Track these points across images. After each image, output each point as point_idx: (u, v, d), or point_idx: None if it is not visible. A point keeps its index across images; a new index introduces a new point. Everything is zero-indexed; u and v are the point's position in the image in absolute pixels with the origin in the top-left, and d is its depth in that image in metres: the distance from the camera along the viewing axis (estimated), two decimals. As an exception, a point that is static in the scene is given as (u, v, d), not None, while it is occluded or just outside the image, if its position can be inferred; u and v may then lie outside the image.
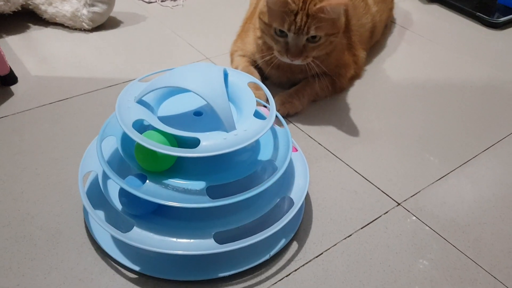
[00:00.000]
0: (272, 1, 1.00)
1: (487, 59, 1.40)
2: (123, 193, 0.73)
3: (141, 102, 0.74)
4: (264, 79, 1.20)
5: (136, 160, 0.72)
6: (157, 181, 0.70)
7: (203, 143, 0.67)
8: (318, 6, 0.97)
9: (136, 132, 0.69)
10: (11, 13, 1.35)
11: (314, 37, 1.02)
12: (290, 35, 1.01)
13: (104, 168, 0.72)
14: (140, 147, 0.70)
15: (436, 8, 1.69)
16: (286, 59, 1.05)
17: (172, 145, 0.70)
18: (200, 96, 0.69)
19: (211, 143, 0.68)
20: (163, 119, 0.74)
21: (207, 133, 0.70)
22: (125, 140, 0.76)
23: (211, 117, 0.76)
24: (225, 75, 0.78)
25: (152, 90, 0.73)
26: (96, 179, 0.85)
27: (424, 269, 0.79)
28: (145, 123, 0.73)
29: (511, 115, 1.16)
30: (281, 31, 1.02)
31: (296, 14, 0.99)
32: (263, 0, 1.04)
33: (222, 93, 0.71)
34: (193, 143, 0.68)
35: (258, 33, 1.11)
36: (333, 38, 1.05)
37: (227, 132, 0.70)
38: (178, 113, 0.77)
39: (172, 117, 0.76)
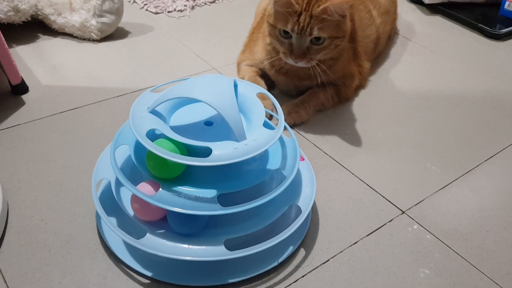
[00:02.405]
0: (278, 2, 1.02)
1: (489, 70, 1.42)
2: (172, 215, 0.75)
3: (154, 112, 0.76)
4: (271, 88, 1.23)
5: (147, 168, 0.74)
6: (170, 189, 0.72)
7: (214, 152, 0.70)
8: (321, 7, 0.99)
9: (149, 140, 0.71)
10: (21, 23, 1.37)
11: (318, 38, 1.03)
12: (294, 36, 1.03)
13: (118, 176, 0.74)
14: (151, 155, 0.72)
15: (438, 19, 1.72)
16: (290, 61, 1.06)
17: (182, 152, 0.72)
18: (212, 107, 0.72)
19: (223, 152, 0.70)
20: (175, 129, 0.76)
21: (219, 142, 0.72)
22: (138, 148, 0.78)
23: (221, 127, 0.78)
24: (235, 86, 0.80)
25: (165, 101, 0.75)
26: (107, 187, 0.87)
27: (428, 276, 0.81)
28: (157, 132, 0.75)
29: (513, 125, 1.19)
30: (285, 32, 1.04)
31: (299, 15, 1.00)
32: (271, 3, 1.06)
33: (232, 104, 0.73)
34: (205, 152, 0.70)
35: (268, 39, 1.14)
36: (339, 41, 1.06)
37: (237, 141, 0.72)
38: (189, 122, 0.79)
39: (184, 127, 0.78)
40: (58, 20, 1.41)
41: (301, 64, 1.06)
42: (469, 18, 1.66)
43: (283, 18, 1.02)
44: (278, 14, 1.04)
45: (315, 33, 1.01)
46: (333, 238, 0.86)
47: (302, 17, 1.00)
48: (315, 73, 1.09)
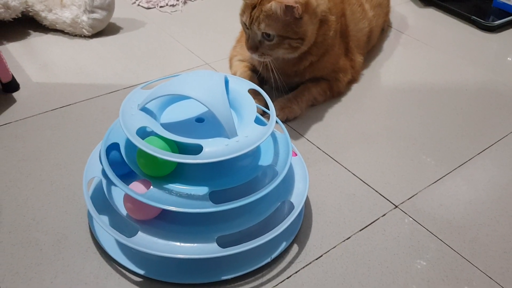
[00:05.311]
0: None
1: (483, 62, 1.42)
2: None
3: (144, 109, 0.75)
4: (263, 83, 1.22)
5: (138, 166, 0.74)
6: (161, 187, 0.71)
7: (205, 150, 0.69)
8: (268, 4, 1.00)
9: (139, 138, 0.70)
10: (12, 20, 1.37)
11: (268, 34, 1.03)
12: (249, 28, 1.05)
13: (109, 175, 0.74)
14: (142, 153, 0.72)
15: (431, 11, 1.72)
16: (248, 51, 1.08)
17: (173, 150, 0.72)
18: (202, 104, 0.71)
19: (214, 149, 0.69)
20: (166, 126, 0.75)
21: (210, 139, 0.71)
22: (129, 146, 0.77)
23: (212, 123, 0.78)
24: (226, 82, 0.80)
25: (155, 98, 0.74)
26: (99, 185, 0.87)
27: (421, 270, 0.81)
28: (148, 129, 0.75)
29: (506, 117, 1.18)
30: (245, 24, 1.06)
31: (253, 8, 1.02)
32: None
33: (223, 100, 0.73)
34: (196, 150, 0.69)
35: None
36: (295, 43, 1.04)
37: (229, 138, 0.71)
38: (180, 119, 0.78)
39: (174, 124, 0.77)
40: (49, 17, 1.40)
41: (255, 56, 1.08)
42: (463, 10, 1.66)
43: (243, 9, 1.06)
44: (242, 5, 1.07)
45: (262, 28, 1.02)
46: (326, 233, 0.86)
47: (255, 10, 1.02)
48: (269, 68, 1.10)
